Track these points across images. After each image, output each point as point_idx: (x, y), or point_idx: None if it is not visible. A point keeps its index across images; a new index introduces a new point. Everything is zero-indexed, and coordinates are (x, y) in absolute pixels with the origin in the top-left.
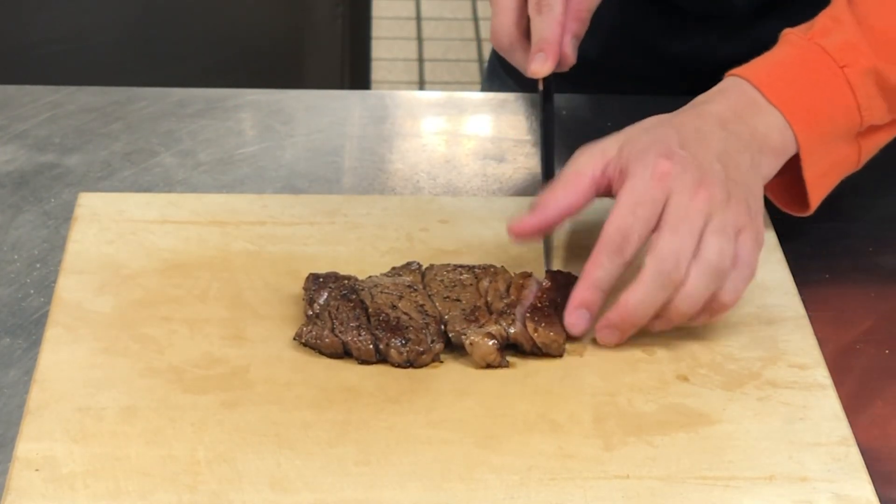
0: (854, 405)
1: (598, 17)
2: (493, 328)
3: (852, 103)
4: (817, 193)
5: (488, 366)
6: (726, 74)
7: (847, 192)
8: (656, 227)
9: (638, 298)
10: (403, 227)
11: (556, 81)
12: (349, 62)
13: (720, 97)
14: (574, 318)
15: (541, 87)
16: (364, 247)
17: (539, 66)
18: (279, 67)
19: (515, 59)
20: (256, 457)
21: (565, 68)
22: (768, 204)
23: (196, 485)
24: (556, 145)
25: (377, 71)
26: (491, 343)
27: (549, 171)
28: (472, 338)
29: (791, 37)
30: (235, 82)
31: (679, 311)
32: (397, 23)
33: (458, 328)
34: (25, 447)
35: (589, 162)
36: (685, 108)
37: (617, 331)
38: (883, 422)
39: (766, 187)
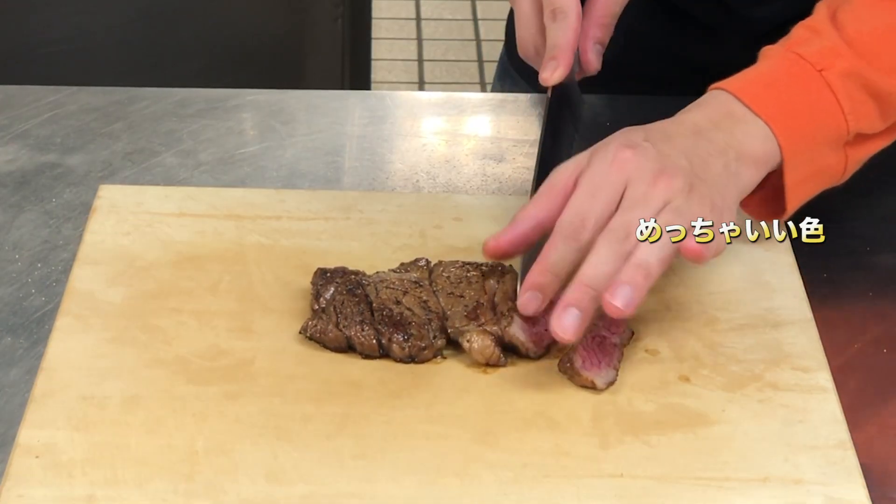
0: (852, 404)
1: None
2: (491, 327)
3: (835, 107)
4: (796, 199)
5: (487, 364)
6: (708, 88)
7: (845, 192)
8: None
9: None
10: (417, 223)
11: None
12: (349, 62)
13: (698, 108)
14: (525, 298)
15: (549, 94)
16: (377, 243)
17: (549, 74)
18: (280, 68)
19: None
20: (254, 448)
21: (591, 73)
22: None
23: (193, 474)
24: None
25: (377, 71)
26: (488, 341)
27: (540, 180)
28: (469, 336)
29: (769, 51)
30: (236, 82)
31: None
32: (397, 23)
33: (457, 325)
34: (27, 434)
35: (562, 175)
36: (667, 119)
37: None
38: (881, 421)
39: (743, 203)
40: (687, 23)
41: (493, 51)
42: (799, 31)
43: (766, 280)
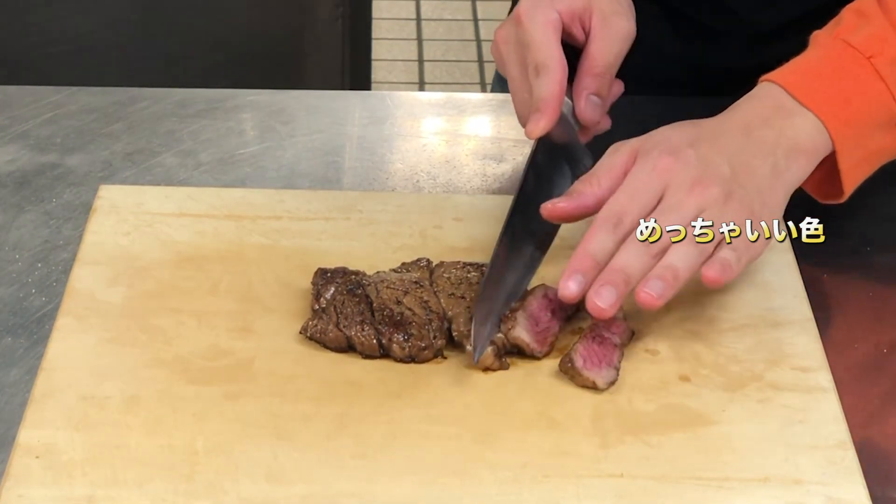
0: (852, 404)
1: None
2: (494, 334)
3: (885, 92)
4: (852, 182)
5: (486, 369)
6: (759, 80)
7: None
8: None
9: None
10: (418, 224)
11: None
12: (349, 63)
13: (749, 103)
14: (571, 282)
15: (534, 147)
16: (377, 243)
17: (533, 126)
18: (280, 68)
19: None
20: (254, 448)
21: (593, 127)
22: None
23: (193, 474)
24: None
25: (377, 71)
26: (489, 349)
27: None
28: (469, 346)
29: (819, 38)
30: (236, 83)
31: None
32: (397, 23)
33: (461, 329)
34: (27, 434)
35: (621, 158)
36: (717, 115)
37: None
38: (881, 420)
39: (804, 184)
40: (690, 25)
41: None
42: (848, 15)
43: (766, 280)
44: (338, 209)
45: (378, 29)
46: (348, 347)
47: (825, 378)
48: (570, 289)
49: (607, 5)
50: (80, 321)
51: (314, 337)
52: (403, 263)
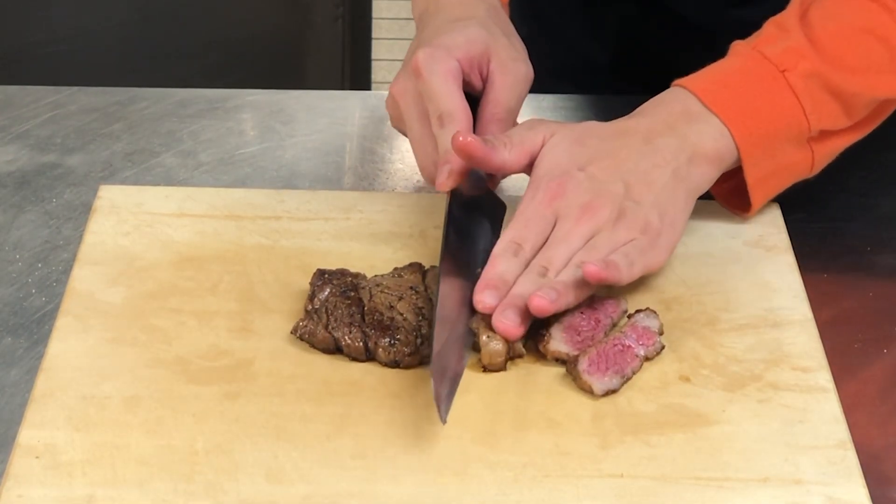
0: (852, 405)
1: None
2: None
3: (796, 107)
4: (760, 195)
5: (485, 369)
6: (672, 84)
7: (845, 191)
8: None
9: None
10: (418, 224)
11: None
12: (350, 63)
13: (656, 108)
14: (485, 295)
15: (448, 199)
16: (377, 243)
17: (444, 179)
18: (280, 68)
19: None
20: (254, 448)
21: (496, 174)
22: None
23: (192, 474)
24: None
25: (377, 71)
26: (502, 349)
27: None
28: (489, 335)
29: (737, 48)
30: (236, 83)
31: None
32: (397, 23)
33: (473, 325)
34: (27, 434)
35: (534, 135)
36: (625, 117)
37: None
38: (881, 421)
39: (714, 192)
40: (679, 24)
41: None
42: (769, 27)
43: (766, 280)
44: (338, 209)
45: (378, 29)
46: (336, 349)
47: (825, 378)
48: (485, 302)
49: (504, 51)
50: (80, 321)
51: (303, 337)
52: (396, 268)
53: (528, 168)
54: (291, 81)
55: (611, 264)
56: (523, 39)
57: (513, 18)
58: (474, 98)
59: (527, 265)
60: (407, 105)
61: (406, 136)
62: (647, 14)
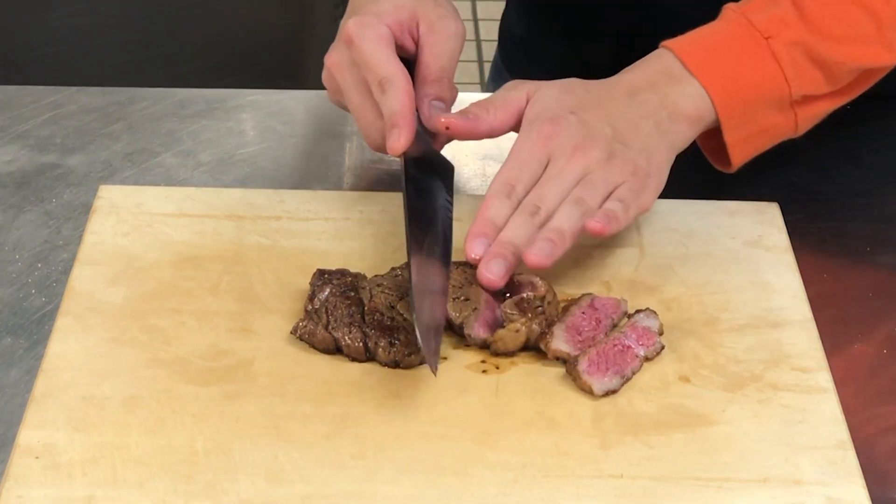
0: (852, 404)
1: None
2: (530, 326)
3: (778, 74)
4: (740, 154)
5: (497, 351)
6: (659, 45)
7: (845, 191)
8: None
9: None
10: None
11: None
12: None
13: (640, 67)
14: (476, 244)
15: (403, 163)
16: (377, 243)
17: (395, 142)
18: (280, 68)
19: None
20: (254, 448)
21: (442, 131)
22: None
23: (192, 475)
24: None
25: None
26: (523, 337)
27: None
28: (518, 323)
29: (727, 11)
30: (236, 83)
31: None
32: None
33: (507, 310)
34: (27, 434)
35: (517, 94)
36: (610, 77)
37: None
38: (881, 421)
39: (701, 145)
40: (679, 24)
41: (493, 51)
42: None
43: (766, 280)
44: (337, 209)
45: None
46: (336, 350)
47: (825, 378)
48: (476, 250)
49: (432, 10)
50: (80, 321)
51: (303, 338)
52: (393, 268)
53: (517, 127)
54: (291, 81)
55: (610, 216)
56: (522, 39)
57: (512, 18)
58: (409, 62)
59: (519, 205)
60: (343, 76)
61: (344, 108)
62: (647, 14)
